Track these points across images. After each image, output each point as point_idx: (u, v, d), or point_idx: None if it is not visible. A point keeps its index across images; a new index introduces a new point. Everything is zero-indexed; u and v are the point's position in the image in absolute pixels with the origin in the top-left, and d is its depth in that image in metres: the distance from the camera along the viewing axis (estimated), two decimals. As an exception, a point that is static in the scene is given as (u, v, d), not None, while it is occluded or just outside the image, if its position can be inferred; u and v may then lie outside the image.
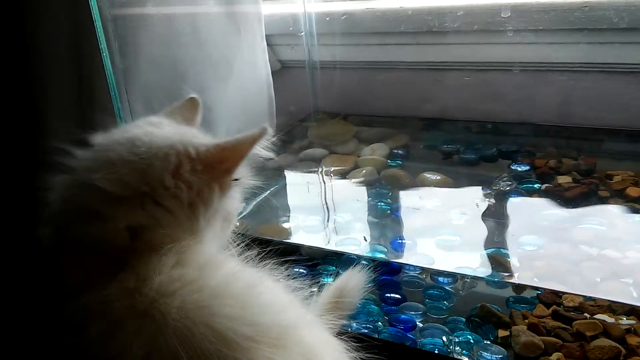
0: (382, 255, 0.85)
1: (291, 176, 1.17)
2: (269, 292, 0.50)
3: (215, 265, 0.50)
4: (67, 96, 0.75)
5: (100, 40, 0.76)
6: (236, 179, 0.55)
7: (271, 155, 0.56)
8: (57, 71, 0.76)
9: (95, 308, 0.45)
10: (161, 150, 0.51)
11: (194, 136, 0.55)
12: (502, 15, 1.09)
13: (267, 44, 1.28)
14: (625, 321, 0.68)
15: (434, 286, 0.80)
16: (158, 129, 0.55)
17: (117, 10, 0.82)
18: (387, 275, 0.82)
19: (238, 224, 0.61)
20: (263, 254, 0.55)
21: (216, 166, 0.52)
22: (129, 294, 0.45)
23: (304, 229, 0.97)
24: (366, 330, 0.73)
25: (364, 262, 0.79)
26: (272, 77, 1.29)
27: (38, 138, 0.69)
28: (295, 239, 0.94)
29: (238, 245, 0.58)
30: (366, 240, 0.89)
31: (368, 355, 0.55)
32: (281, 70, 1.42)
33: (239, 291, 0.47)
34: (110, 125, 0.56)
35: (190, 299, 0.44)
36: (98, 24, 0.76)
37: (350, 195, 1.07)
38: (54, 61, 0.75)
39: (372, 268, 0.77)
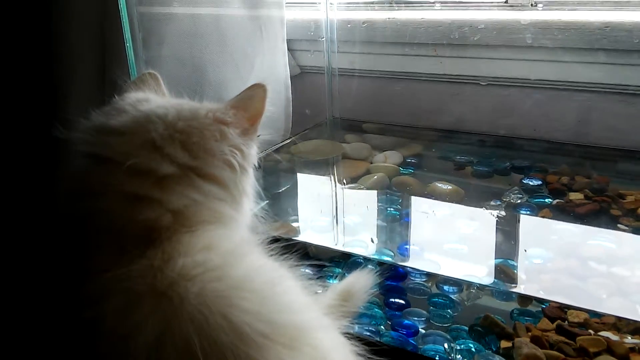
0: (388, 259, 0.84)
1: (302, 177, 1.17)
2: (289, 292, 0.49)
3: (240, 255, 0.48)
4: (90, 81, 0.77)
5: (125, 31, 0.78)
6: (258, 135, 0.56)
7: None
8: (81, 57, 0.78)
9: (116, 284, 0.43)
10: (197, 121, 0.51)
11: (198, 104, 0.55)
12: (522, 23, 1.09)
13: (288, 49, 1.30)
14: (630, 340, 0.68)
15: (438, 294, 0.79)
16: (168, 102, 0.55)
17: (143, 8, 0.85)
18: (393, 280, 0.82)
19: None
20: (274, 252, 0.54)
21: (244, 123, 0.54)
22: (152, 272, 0.43)
23: (313, 229, 0.97)
24: (368, 333, 0.73)
25: (370, 265, 0.79)
26: (291, 81, 1.30)
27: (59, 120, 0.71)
28: (303, 238, 0.93)
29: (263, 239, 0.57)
30: (373, 242, 0.89)
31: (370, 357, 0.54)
32: (300, 75, 1.44)
33: (259, 286, 0.46)
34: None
35: (210, 286, 0.43)
36: (124, 15, 0.78)
37: (360, 200, 1.07)
38: (79, 45, 0.77)
39: (378, 272, 0.77)
